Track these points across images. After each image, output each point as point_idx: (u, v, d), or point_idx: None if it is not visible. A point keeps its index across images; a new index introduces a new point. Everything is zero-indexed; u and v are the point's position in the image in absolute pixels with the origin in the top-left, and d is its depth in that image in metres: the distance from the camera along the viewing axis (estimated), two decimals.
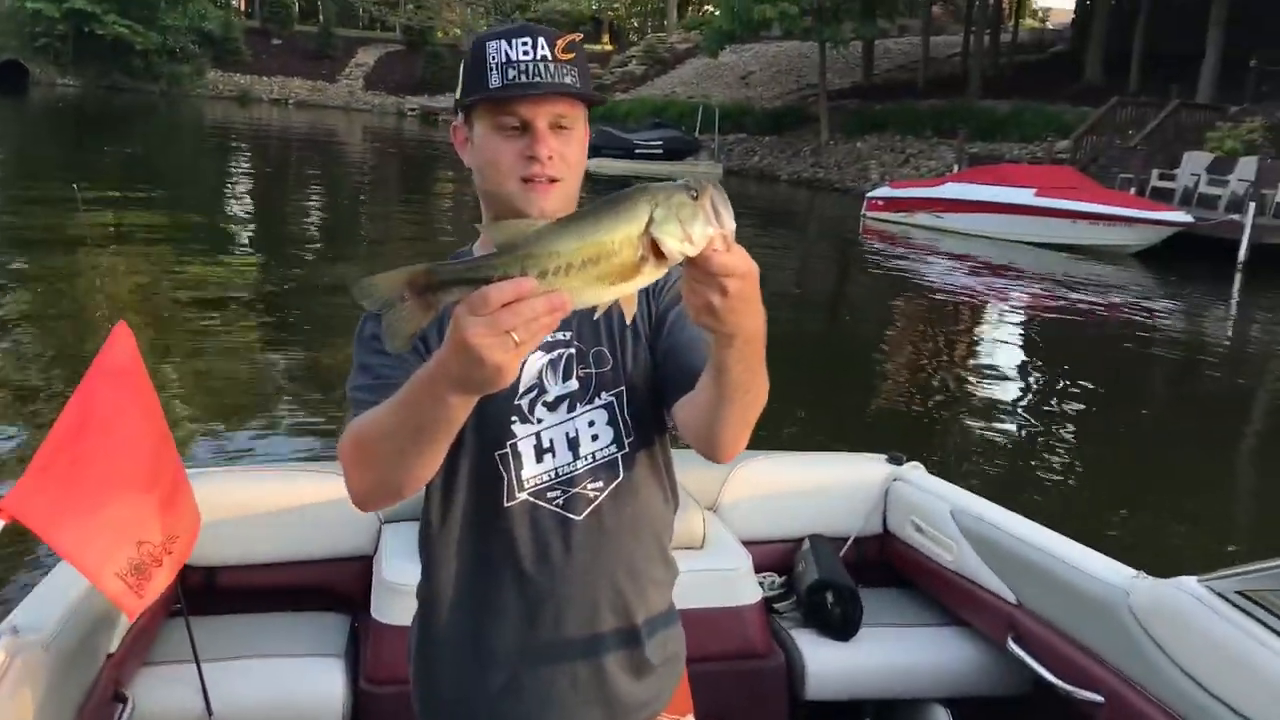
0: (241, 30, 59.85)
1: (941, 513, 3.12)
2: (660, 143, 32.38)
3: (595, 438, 1.52)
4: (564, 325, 1.49)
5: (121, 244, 12.82)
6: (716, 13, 35.14)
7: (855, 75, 38.30)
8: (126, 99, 48.38)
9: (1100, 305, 14.20)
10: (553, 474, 1.52)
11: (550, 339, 1.51)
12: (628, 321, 1.16)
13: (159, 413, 1.82)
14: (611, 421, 1.53)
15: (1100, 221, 17.98)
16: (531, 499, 1.52)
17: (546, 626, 1.54)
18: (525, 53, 1.45)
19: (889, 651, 3.02)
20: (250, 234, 16.34)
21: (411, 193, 25.25)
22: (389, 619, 2.69)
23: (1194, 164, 20.97)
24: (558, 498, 1.52)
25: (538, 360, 1.52)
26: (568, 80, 1.45)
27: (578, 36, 1.50)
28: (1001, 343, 12.09)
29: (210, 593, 2.93)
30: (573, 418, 1.52)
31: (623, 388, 1.53)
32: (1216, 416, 9.16)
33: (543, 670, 1.55)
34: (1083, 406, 9.20)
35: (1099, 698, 2.47)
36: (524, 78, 1.44)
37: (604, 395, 1.52)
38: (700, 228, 1.10)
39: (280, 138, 38.30)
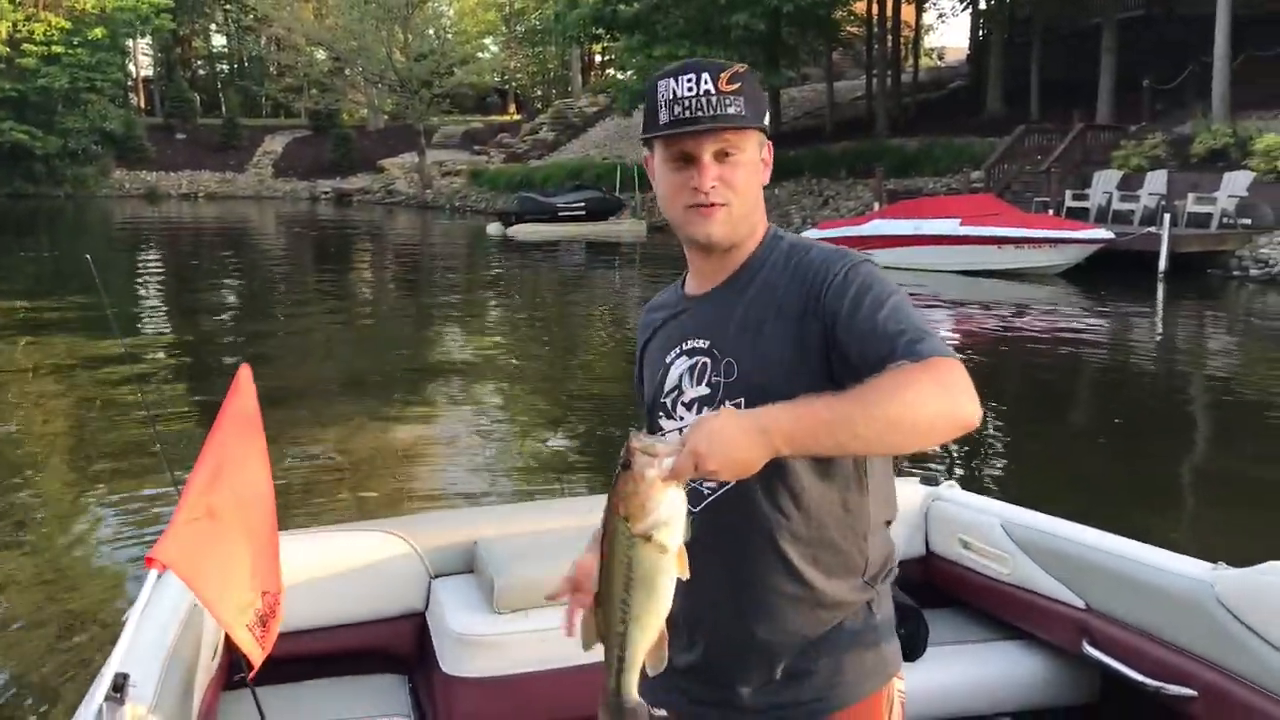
0: (144, 127, 59.12)
1: (991, 527, 3.11)
2: (583, 204, 32.62)
3: None
4: (703, 333, 1.68)
5: (45, 336, 12.52)
6: (620, 75, 35.65)
7: None
8: (31, 205, 47.40)
9: (1038, 325, 14.51)
10: None
11: (691, 345, 1.68)
12: None
13: (267, 458, 1.76)
14: None
15: (1026, 245, 18.44)
16: None
17: (680, 607, 1.51)
18: (689, 89, 1.57)
19: (956, 670, 2.99)
20: (177, 323, 16.02)
21: (330, 270, 25.00)
22: (460, 671, 2.65)
23: (1105, 182, 21.67)
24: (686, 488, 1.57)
25: (681, 365, 1.69)
26: (731, 111, 1.57)
27: (741, 68, 1.60)
28: None
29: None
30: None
31: (742, 399, 1.59)
32: (1172, 422, 9.39)
33: (700, 647, 1.67)
34: (1040, 421, 9.37)
35: (1191, 692, 2.46)
36: (687, 113, 1.57)
37: (728, 404, 1.59)
38: (652, 495, 1.32)
39: (194, 231, 37.76)
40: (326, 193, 55.29)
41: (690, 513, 1.55)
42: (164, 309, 18.19)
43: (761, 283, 1.64)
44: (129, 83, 64.35)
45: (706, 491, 1.61)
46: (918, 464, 7.57)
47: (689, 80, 1.57)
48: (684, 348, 1.69)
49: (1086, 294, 16.98)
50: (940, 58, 51.37)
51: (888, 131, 32.27)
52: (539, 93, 69.61)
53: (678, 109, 1.58)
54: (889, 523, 1.76)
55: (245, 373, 1.77)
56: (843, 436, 1.38)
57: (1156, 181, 20.29)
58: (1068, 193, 22.02)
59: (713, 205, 1.60)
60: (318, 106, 60.69)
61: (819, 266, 1.60)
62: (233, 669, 2.69)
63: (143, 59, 68.37)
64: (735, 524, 1.61)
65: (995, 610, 3.14)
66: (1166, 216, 18.10)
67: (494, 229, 32.21)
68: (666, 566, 1.37)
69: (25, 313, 15.23)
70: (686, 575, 1.38)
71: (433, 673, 2.77)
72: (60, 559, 5.80)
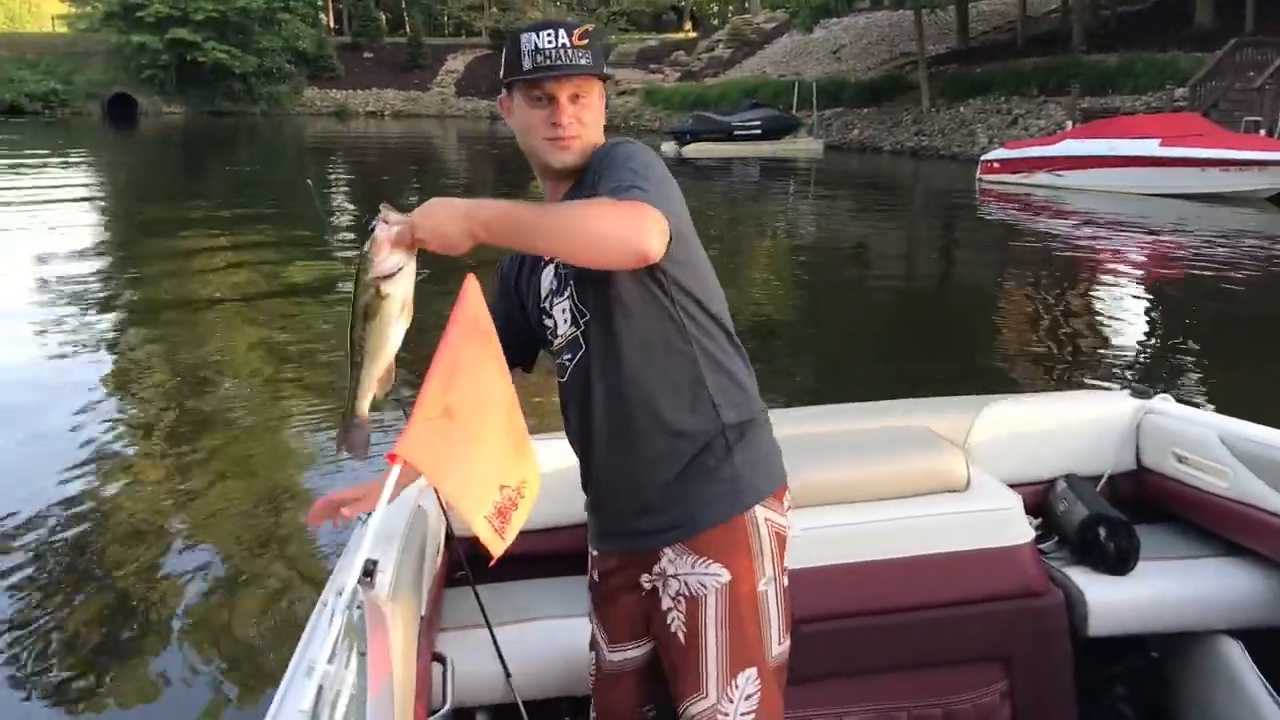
0: (334, 47, 61.15)
1: (1209, 440, 3.04)
2: (759, 123, 32.18)
3: (566, 321, 1.99)
4: None
5: (261, 251, 13.28)
6: None
7: (950, 40, 37.60)
8: (230, 122, 49.79)
9: (1244, 252, 13.73)
10: (560, 340, 2.02)
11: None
12: None
13: (504, 362, 1.89)
14: (571, 310, 1.97)
15: (1232, 167, 17.37)
16: (556, 357, 2.05)
17: (585, 458, 2.06)
18: (549, 43, 1.89)
19: (1169, 584, 2.95)
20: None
21: (511, 185, 25.57)
22: None
23: None
24: (561, 356, 2.04)
25: (549, 271, 2.02)
26: (583, 62, 1.89)
27: (589, 27, 1.91)
28: (1153, 294, 11.77)
29: (478, 561, 3.01)
30: (557, 305, 2.01)
31: (572, 283, 1.95)
32: None
33: (596, 488, 2.08)
34: (1252, 347, 8.95)
35: None
36: (548, 61, 1.88)
37: (565, 292, 1.98)
38: (381, 251, 1.65)
39: (380, 147, 39.05)
40: None
41: (560, 382, 2.03)
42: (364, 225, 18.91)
43: (586, 186, 1.90)
44: (319, 2, 66.40)
45: (566, 362, 1.99)
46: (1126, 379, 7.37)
47: (549, 35, 1.89)
48: (545, 259, 2.03)
49: None
50: None
51: (1084, 46, 30.61)
52: (715, 9, 68.66)
53: (539, 58, 1.88)
54: (732, 370, 1.98)
55: (471, 282, 1.89)
56: (528, 235, 1.71)
57: None
58: None
59: (570, 138, 1.91)
60: (498, 25, 61.41)
61: (602, 157, 1.89)
62: (453, 567, 2.84)
63: None
64: (592, 385, 1.95)
65: (1212, 525, 3.08)
66: None
67: (668, 148, 31.95)
68: (391, 312, 1.69)
69: (235, 229, 16.11)
70: (408, 323, 1.72)
71: None
72: (280, 468, 6.06)
